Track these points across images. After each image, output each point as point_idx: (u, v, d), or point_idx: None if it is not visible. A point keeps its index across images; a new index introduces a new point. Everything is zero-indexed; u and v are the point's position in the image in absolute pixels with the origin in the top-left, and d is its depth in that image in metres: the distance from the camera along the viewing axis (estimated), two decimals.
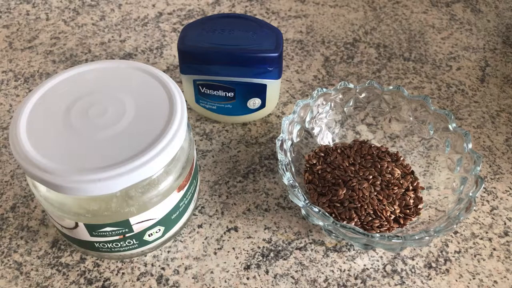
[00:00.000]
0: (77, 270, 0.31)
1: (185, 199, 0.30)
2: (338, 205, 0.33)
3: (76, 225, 0.27)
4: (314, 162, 0.36)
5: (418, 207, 0.34)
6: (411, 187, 0.35)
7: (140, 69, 0.30)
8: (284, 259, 0.32)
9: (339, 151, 0.37)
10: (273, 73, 0.37)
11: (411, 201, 0.34)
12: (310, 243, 0.33)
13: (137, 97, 0.28)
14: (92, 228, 0.27)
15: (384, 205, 0.33)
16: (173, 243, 0.33)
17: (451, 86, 0.46)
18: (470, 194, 0.30)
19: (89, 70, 0.29)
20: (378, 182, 0.34)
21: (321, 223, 0.29)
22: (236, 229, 0.34)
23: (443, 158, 0.35)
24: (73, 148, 0.25)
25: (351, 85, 0.37)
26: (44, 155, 0.24)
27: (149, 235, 0.29)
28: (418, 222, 0.33)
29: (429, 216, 0.33)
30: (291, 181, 0.30)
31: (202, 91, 0.38)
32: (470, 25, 0.53)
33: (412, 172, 0.36)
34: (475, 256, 0.33)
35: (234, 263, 0.32)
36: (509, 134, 0.41)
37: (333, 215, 0.33)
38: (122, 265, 0.31)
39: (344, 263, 0.32)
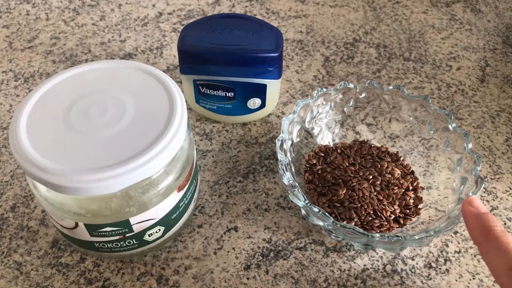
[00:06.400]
0: (77, 270, 0.31)
1: (185, 199, 0.30)
2: (338, 205, 0.33)
3: (76, 225, 0.27)
4: (314, 162, 0.36)
5: (418, 207, 0.34)
6: (411, 187, 0.35)
7: (140, 69, 0.30)
8: (284, 259, 0.32)
9: (339, 151, 0.37)
10: (273, 73, 0.37)
11: (411, 201, 0.34)
12: (310, 243, 0.33)
13: (137, 97, 0.28)
14: (92, 228, 0.27)
15: (384, 205, 0.33)
16: (173, 243, 0.33)
17: (451, 86, 0.46)
18: (470, 194, 0.30)
19: (89, 70, 0.29)
20: (378, 182, 0.34)
21: (321, 223, 0.29)
22: (236, 229, 0.34)
23: (443, 158, 0.35)
24: (73, 148, 0.25)
25: (351, 85, 0.37)
26: (44, 155, 0.24)
27: (149, 235, 0.29)
28: (418, 222, 0.33)
29: (429, 216, 0.33)
30: (291, 181, 0.30)
31: (202, 91, 0.38)
32: (470, 25, 0.53)
33: (412, 172, 0.36)
34: (475, 256, 0.33)
35: (234, 263, 0.32)
36: (509, 134, 0.41)
37: (333, 215, 0.33)
38: (122, 265, 0.31)
39: (344, 263, 0.32)
